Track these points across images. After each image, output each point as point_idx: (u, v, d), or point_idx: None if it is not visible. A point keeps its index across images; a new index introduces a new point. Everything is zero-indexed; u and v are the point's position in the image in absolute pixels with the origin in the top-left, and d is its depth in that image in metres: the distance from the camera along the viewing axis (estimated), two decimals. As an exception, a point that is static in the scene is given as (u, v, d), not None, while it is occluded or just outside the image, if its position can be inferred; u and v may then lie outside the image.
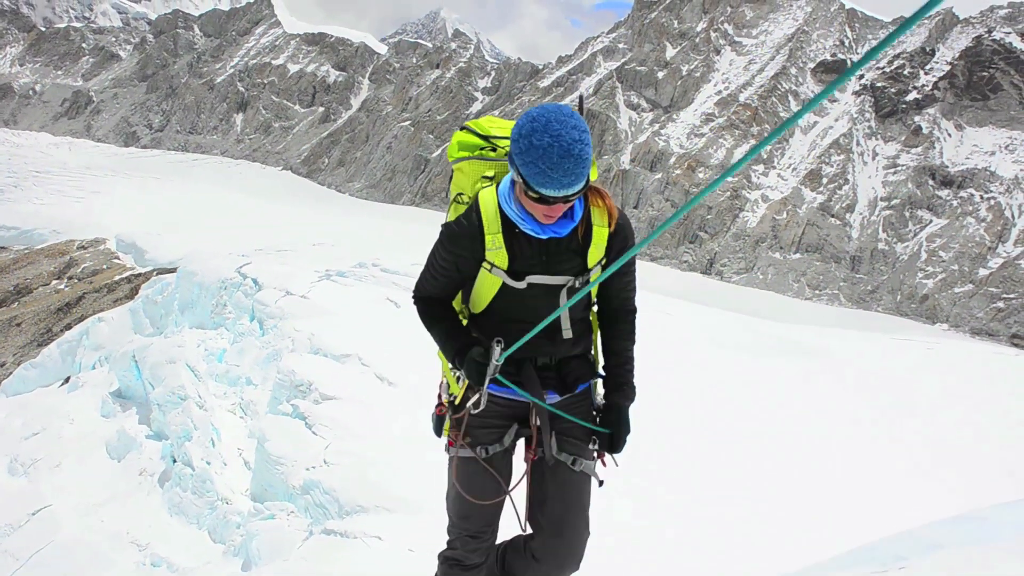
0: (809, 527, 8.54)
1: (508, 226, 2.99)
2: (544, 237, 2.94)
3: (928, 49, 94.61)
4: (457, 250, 3.04)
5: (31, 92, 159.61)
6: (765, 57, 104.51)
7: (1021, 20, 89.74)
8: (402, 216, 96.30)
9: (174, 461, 14.52)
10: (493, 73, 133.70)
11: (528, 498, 3.25)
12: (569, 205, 2.84)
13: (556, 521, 3.18)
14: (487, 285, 3.07)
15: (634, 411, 3.31)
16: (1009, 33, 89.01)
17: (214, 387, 16.30)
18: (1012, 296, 69.01)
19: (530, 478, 3.26)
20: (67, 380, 22.52)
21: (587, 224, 3.04)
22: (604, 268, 3.09)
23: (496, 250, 2.98)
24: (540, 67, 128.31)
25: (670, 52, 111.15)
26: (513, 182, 2.97)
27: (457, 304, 3.33)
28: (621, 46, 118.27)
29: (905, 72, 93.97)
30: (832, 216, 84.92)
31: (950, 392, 17.38)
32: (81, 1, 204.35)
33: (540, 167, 2.66)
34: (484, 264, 3.02)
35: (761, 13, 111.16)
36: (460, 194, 3.26)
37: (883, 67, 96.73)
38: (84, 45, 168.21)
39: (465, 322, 3.28)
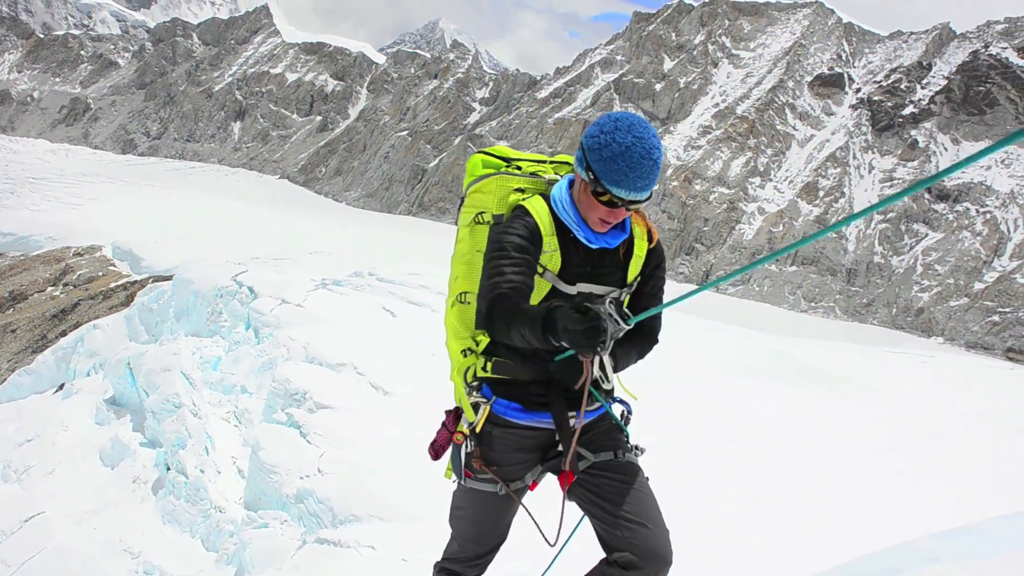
0: (806, 539, 8.52)
1: (561, 231, 2.94)
2: (595, 246, 2.92)
3: (925, 63, 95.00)
4: (530, 236, 2.87)
5: (29, 99, 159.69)
6: (762, 70, 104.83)
7: (1017, 35, 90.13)
8: (399, 225, 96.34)
9: (168, 469, 14.48)
10: (491, 84, 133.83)
11: (594, 522, 3.02)
12: (629, 213, 2.84)
13: (636, 513, 2.94)
14: (534, 291, 2.94)
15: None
16: (1006, 48, 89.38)
17: (209, 395, 16.27)
18: (1007, 310, 69.12)
19: (584, 507, 3.06)
20: (61, 387, 22.46)
21: (629, 239, 3.02)
22: (639, 285, 3.07)
23: (551, 253, 2.91)
24: (538, 78, 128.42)
25: (668, 64, 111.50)
26: (570, 186, 2.95)
27: (467, 340, 3.10)
28: (619, 58, 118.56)
29: (902, 86, 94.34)
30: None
31: (947, 405, 17.40)
32: (80, 8, 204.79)
33: (619, 164, 2.65)
34: (537, 266, 2.92)
35: (759, 26, 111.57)
36: (482, 213, 3.10)
37: (880, 81, 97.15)
38: (83, 52, 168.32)
39: (484, 343, 3.05)
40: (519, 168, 3.14)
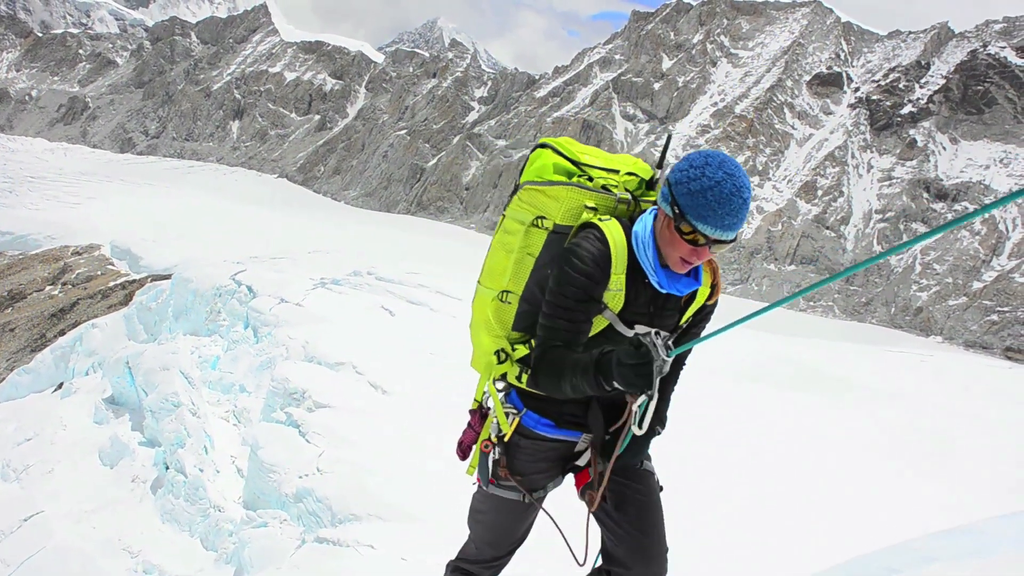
0: (806, 538, 8.53)
1: (633, 268, 2.80)
2: (664, 292, 2.79)
3: (923, 63, 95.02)
4: (598, 273, 2.75)
5: (27, 97, 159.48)
6: (761, 69, 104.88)
7: (1016, 35, 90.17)
8: (398, 225, 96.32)
9: (167, 468, 14.47)
10: (490, 83, 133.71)
11: (600, 527, 3.05)
12: (712, 255, 2.72)
13: (637, 525, 2.97)
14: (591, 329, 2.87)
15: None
16: (1004, 47, 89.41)
17: (207, 394, 16.26)
18: (1006, 309, 69.17)
19: (597, 516, 3.07)
20: (60, 386, 22.45)
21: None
22: (685, 331, 3.01)
23: (616, 292, 2.79)
24: (537, 77, 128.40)
25: (666, 63, 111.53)
26: (654, 225, 2.79)
27: (501, 340, 3.05)
28: (618, 57, 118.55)
29: (900, 85, 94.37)
30: (827, 228, 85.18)
31: (946, 405, 17.39)
32: (78, 7, 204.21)
33: (707, 199, 2.52)
34: (597, 306, 2.83)
35: (757, 25, 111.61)
36: (542, 218, 2.93)
37: (878, 80, 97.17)
38: (81, 51, 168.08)
39: (520, 352, 3.00)
40: (590, 179, 2.96)
